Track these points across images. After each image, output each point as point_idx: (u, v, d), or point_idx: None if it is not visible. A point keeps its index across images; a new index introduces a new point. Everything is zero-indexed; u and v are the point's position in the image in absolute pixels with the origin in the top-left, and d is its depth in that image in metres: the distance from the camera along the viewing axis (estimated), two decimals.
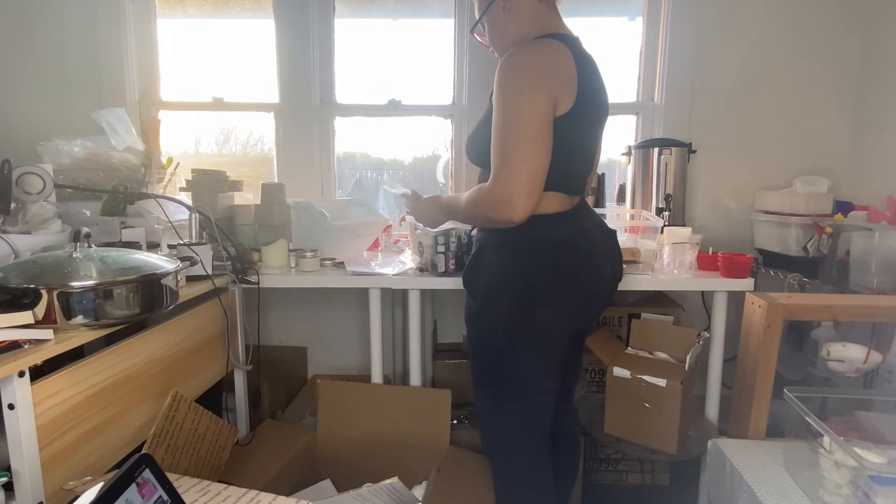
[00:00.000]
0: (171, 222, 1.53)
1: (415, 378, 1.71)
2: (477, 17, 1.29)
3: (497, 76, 1.11)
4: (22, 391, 0.86)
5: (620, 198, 2.15)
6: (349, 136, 2.35)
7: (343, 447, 1.64)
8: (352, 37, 2.26)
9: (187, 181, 1.89)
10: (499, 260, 1.20)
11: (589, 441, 1.77)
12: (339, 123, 2.30)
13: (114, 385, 1.08)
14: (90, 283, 0.98)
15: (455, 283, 1.59)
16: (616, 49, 2.24)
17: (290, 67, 2.21)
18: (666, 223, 1.85)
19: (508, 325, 1.17)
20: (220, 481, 1.01)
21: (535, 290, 1.15)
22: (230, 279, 1.56)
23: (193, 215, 1.48)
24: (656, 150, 1.99)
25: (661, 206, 1.98)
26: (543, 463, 1.26)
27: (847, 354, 1.35)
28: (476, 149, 1.25)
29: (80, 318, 0.97)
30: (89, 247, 1.07)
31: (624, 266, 1.60)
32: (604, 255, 1.24)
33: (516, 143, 1.07)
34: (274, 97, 2.24)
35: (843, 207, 1.85)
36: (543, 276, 1.15)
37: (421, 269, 1.68)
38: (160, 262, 1.13)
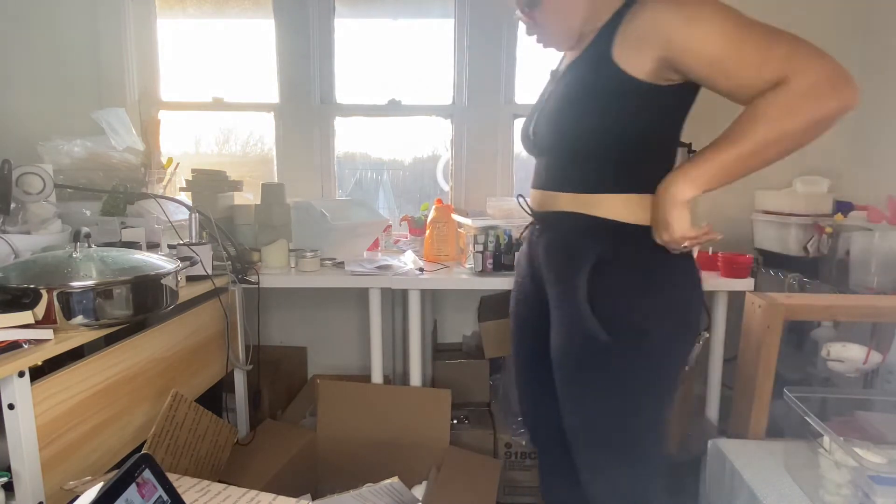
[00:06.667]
0: (171, 222, 1.53)
1: (415, 378, 1.71)
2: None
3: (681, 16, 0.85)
4: (22, 391, 0.86)
5: None
6: (349, 136, 2.35)
7: (343, 447, 1.65)
8: (352, 37, 2.26)
9: (187, 181, 1.89)
10: (646, 278, 0.97)
11: None
12: (339, 123, 2.30)
13: (114, 385, 1.08)
14: (90, 283, 0.98)
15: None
16: None
17: (290, 67, 2.21)
18: None
19: (657, 363, 0.98)
20: (220, 481, 1.01)
21: (685, 320, 0.99)
22: (230, 279, 1.56)
23: (193, 215, 1.48)
24: None
25: None
26: None
27: (847, 354, 1.35)
28: (559, 130, 0.99)
29: (79, 318, 0.97)
30: (89, 247, 1.07)
31: None
32: None
33: (779, 37, 0.84)
34: (274, 97, 2.24)
35: (843, 207, 1.85)
36: (694, 308, 1.02)
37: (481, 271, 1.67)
38: (160, 262, 1.13)
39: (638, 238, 0.96)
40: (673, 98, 0.94)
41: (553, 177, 1.03)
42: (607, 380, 0.98)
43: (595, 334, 0.95)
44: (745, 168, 0.88)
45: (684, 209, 0.90)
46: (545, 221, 1.07)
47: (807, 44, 0.82)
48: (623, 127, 0.94)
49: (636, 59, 0.90)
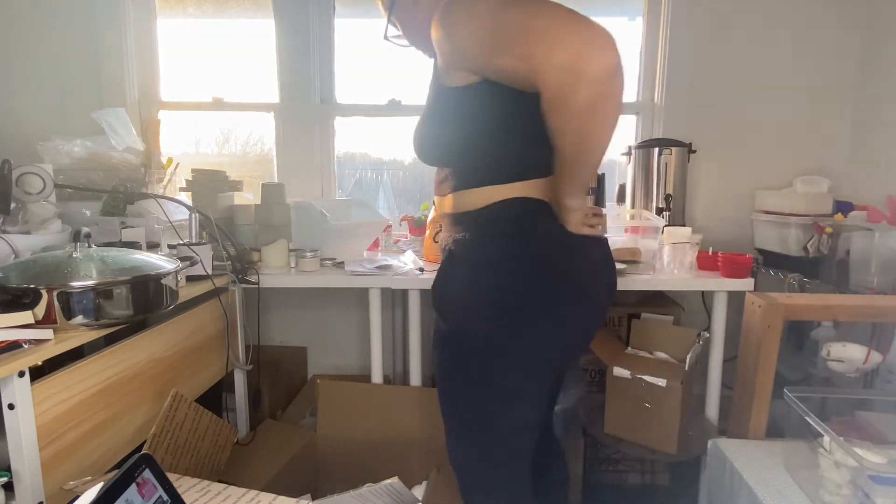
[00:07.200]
0: (171, 222, 1.53)
1: (415, 378, 1.71)
2: (385, 18, 1.11)
3: (451, 23, 0.87)
4: (22, 391, 0.86)
5: (620, 198, 2.15)
6: (349, 136, 2.35)
7: (343, 447, 1.65)
8: (352, 37, 2.26)
9: (187, 181, 1.89)
10: (472, 269, 0.96)
11: (589, 441, 1.77)
12: (339, 123, 2.30)
13: (114, 385, 1.08)
14: (90, 283, 0.98)
15: None
16: None
17: (290, 67, 2.21)
18: (666, 223, 1.85)
19: (485, 356, 0.95)
20: (220, 481, 1.01)
21: (523, 311, 0.92)
22: (230, 279, 1.56)
23: (193, 215, 1.48)
24: (656, 150, 1.99)
25: (661, 206, 1.98)
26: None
27: (847, 354, 1.35)
28: (437, 144, 1.02)
29: (80, 318, 0.97)
30: (89, 247, 1.07)
31: (624, 266, 1.61)
32: (601, 256, 1.02)
33: (532, 18, 0.79)
34: (274, 97, 2.24)
35: (843, 207, 1.85)
36: (532, 290, 0.92)
37: None
38: (160, 262, 1.13)
39: (484, 226, 0.96)
40: (506, 90, 0.89)
41: (438, 182, 1.08)
42: (446, 367, 1.03)
43: (439, 325, 1.04)
44: (590, 168, 0.94)
45: (577, 213, 0.95)
46: (443, 223, 1.12)
47: (542, 39, 0.77)
48: (463, 131, 0.96)
49: (448, 69, 0.94)
